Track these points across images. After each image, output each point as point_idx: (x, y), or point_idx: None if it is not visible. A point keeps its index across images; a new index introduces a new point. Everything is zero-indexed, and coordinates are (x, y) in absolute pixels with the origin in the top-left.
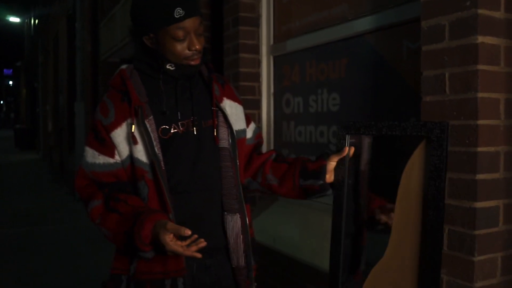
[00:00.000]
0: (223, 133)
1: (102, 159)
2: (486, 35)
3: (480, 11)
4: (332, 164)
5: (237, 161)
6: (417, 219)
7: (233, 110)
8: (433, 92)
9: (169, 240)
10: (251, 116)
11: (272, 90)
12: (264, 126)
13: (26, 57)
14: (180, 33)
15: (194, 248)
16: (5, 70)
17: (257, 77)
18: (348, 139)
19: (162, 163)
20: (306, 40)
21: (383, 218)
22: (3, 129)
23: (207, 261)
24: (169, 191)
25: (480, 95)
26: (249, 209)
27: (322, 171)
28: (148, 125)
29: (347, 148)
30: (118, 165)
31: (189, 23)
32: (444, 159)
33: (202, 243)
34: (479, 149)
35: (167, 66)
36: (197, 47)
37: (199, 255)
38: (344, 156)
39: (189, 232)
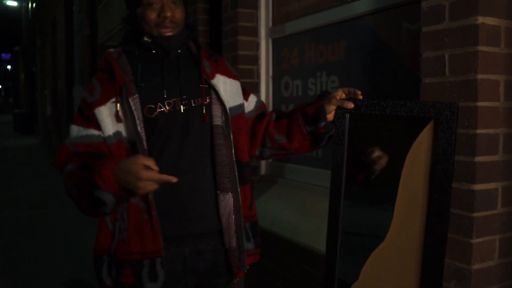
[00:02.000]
0: (216, 110)
1: (86, 132)
2: (486, 15)
3: None
4: (331, 105)
5: (231, 138)
6: (421, 203)
7: (228, 87)
8: (433, 74)
9: (142, 167)
10: None
11: (270, 73)
12: None
13: (24, 42)
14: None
15: (166, 176)
16: (3, 55)
17: (255, 60)
18: (347, 118)
19: (144, 143)
20: (305, 22)
21: (374, 159)
22: (2, 114)
23: (200, 246)
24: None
25: (480, 76)
26: (250, 189)
27: (322, 111)
28: (132, 103)
29: (346, 102)
30: (100, 139)
31: None
32: (452, 142)
33: (174, 179)
34: (478, 131)
35: (145, 38)
36: (167, 14)
37: (175, 179)
38: (343, 138)
39: (155, 167)
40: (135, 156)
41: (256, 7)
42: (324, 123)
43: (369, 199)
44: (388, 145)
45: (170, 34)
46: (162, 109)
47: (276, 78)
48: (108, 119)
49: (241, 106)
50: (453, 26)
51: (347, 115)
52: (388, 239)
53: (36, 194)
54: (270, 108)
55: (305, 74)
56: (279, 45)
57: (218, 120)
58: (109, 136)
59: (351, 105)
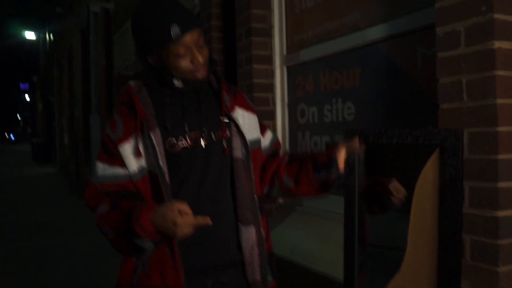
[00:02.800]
0: (237, 142)
1: (111, 170)
2: (503, 40)
3: (496, 15)
4: (341, 153)
5: (252, 171)
6: (433, 230)
7: (246, 120)
8: (450, 99)
9: (177, 213)
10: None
11: (286, 101)
12: (279, 137)
13: (42, 72)
14: (181, 50)
15: (202, 218)
16: (21, 85)
17: (270, 87)
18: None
19: (166, 176)
20: (319, 49)
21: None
22: (20, 143)
23: (222, 278)
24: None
25: (499, 101)
26: (265, 221)
27: (333, 159)
28: (153, 138)
29: (357, 140)
30: (127, 177)
31: (188, 38)
32: (459, 169)
33: (209, 221)
34: (500, 156)
35: (174, 81)
36: (199, 59)
37: (209, 222)
38: (354, 163)
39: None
40: (170, 202)
41: (270, 35)
42: (334, 170)
43: (384, 227)
44: (398, 173)
45: (203, 76)
46: (183, 143)
47: (292, 105)
48: (132, 155)
49: (258, 141)
50: (469, 51)
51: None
52: (403, 269)
53: (53, 222)
54: (286, 142)
55: (321, 100)
56: (294, 72)
57: (238, 152)
58: (134, 172)
59: (362, 147)
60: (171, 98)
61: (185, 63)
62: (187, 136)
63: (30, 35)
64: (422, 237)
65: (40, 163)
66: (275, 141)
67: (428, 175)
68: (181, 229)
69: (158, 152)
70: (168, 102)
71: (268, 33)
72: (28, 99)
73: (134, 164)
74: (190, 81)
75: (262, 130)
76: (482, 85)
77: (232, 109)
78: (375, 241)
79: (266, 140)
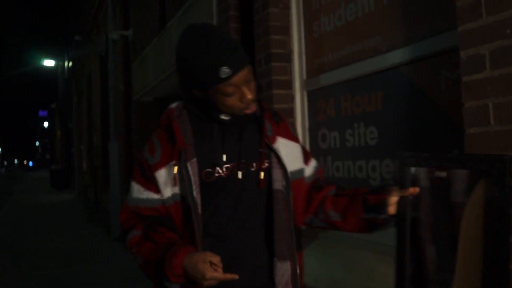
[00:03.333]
0: (277, 174)
1: (146, 194)
2: None
3: None
4: (393, 198)
5: (291, 203)
6: (480, 261)
7: (288, 150)
8: (476, 124)
9: (208, 267)
10: None
11: (307, 125)
12: None
13: (61, 99)
14: (230, 89)
15: (230, 276)
16: (40, 112)
17: (291, 112)
18: (409, 172)
19: (199, 207)
20: (339, 73)
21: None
22: (39, 170)
23: None
24: (201, 236)
25: None
26: (302, 256)
27: (384, 204)
28: (189, 168)
29: (412, 189)
30: (160, 202)
31: (238, 78)
32: (506, 195)
33: (236, 277)
34: None
35: (222, 116)
36: (249, 97)
37: (236, 277)
38: (407, 208)
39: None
40: (203, 253)
41: (289, 60)
42: (384, 216)
43: (433, 256)
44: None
45: (252, 110)
46: (219, 174)
47: (313, 130)
48: (168, 182)
49: (301, 171)
50: (495, 75)
51: (408, 169)
52: None
53: (72, 250)
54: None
55: (342, 125)
56: (314, 97)
57: (278, 184)
58: (168, 198)
59: (416, 189)
60: (212, 127)
61: (233, 101)
62: (224, 167)
63: (49, 62)
64: (470, 269)
65: (58, 189)
66: (318, 169)
67: (476, 202)
68: (209, 283)
69: (193, 183)
70: (209, 132)
71: (287, 58)
72: (46, 125)
73: (168, 190)
74: (237, 117)
75: (306, 158)
76: (509, 108)
77: (274, 139)
78: None
79: (309, 169)
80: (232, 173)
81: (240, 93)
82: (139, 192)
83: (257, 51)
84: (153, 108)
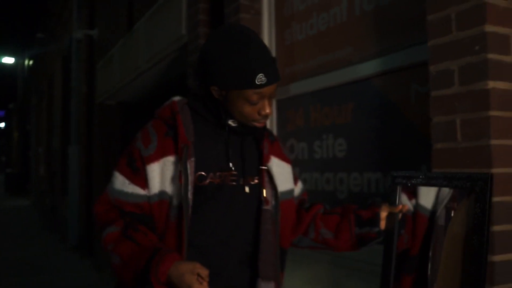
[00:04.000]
0: (267, 193)
1: (131, 188)
2: (497, 80)
3: (490, 55)
4: (384, 213)
5: (279, 224)
6: (460, 274)
7: (280, 170)
8: (444, 139)
9: (195, 279)
10: None
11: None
12: None
13: (19, 99)
14: (255, 98)
15: None
16: None
17: None
18: (399, 190)
19: (190, 209)
20: (310, 83)
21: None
22: None
23: None
24: (188, 242)
25: (493, 142)
26: (283, 276)
27: (377, 218)
28: (189, 167)
29: (401, 206)
30: (145, 198)
31: (268, 89)
32: (486, 212)
33: None
34: (495, 199)
35: (230, 122)
36: (267, 111)
37: None
38: (395, 222)
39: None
40: (192, 264)
41: None
42: (378, 229)
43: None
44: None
45: (262, 126)
46: (212, 180)
47: (281, 140)
48: (158, 177)
49: (291, 192)
50: (463, 91)
51: (399, 187)
52: None
53: (27, 259)
54: None
55: (311, 136)
56: (284, 106)
57: (269, 204)
58: (154, 194)
59: (405, 206)
60: (215, 131)
61: (251, 110)
62: (217, 174)
63: (8, 60)
64: (453, 283)
65: (14, 194)
66: (303, 191)
67: (459, 218)
68: None
69: (189, 182)
70: (211, 135)
71: None
72: (3, 126)
73: (156, 186)
74: (247, 127)
75: (295, 179)
76: (476, 125)
77: (268, 157)
78: None
79: (297, 190)
80: (224, 181)
81: (261, 104)
82: (123, 184)
83: None
84: (117, 112)
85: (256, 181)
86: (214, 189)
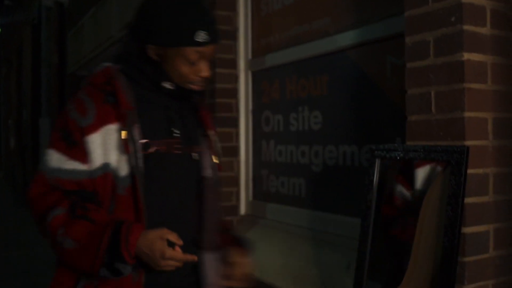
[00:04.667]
0: (207, 162)
1: (70, 164)
2: (472, 51)
3: (465, 27)
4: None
5: (220, 193)
6: (433, 247)
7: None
8: (418, 111)
9: (166, 245)
10: (229, 134)
11: (250, 107)
12: (243, 146)
13: None
14: (195, 57)
15: (191, 256)
16: None
17: (234, 93)
18: (378, 163)
19: (143, 179)
20: (286, 54)
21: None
22: None
23: None
24: (147, 213)
25: (467, 114)
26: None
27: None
28: (135, 134)
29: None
30: (87, 174)
31: (208, 49)
32: (461, 184)
33: (195, 258)
34: (468, 171)
35: (164, 84)
36: (206, 74)
37: (196, 259)
38: (372, 183)
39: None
40: (160, 230)
41: (234, 38)
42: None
43: (395, 241)
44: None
45: (199, 89)
46: (158, 148)
47: (256, 113)
48: (99, 149)
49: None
50: (438, 63)
51: (378, 161)
52: (405, 282)
53: None
54: (249, 151)
55: (287, 108)
56: (259, 78)
57: (209, 172)
58: (97, 168)
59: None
60: (154, 97)
61: (189, 71)
62: (163, 141)
63: None
64: (423, 255)
65: None
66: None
67: (435, 190)
68: (167, 263)
69: (138, 151)
70: (149, 101)
71: (233, 36)
72: None
73: (98, 158)
74: (182, 89)
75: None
76: (451, 97)
77: (211, 126)
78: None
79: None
80: (170, 149)
81: (200, 65)
82: (60, 161)
83: None
84: None
85: (199, 149)
86: (160, 157)
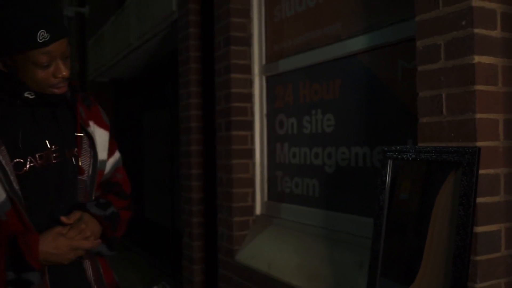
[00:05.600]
0: (85, 162)
1: None
2: (483, 54)
3: (476, 30)
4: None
5: (93, 195)
6: (446, 246)
7: (98, 138)
8: (429, 114)
9: (67, 239)
10: (244, 137)
11: (265, 111)
12: (257, 148)
13: None
14: (44, 59)
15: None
16: None
17: (249, 97)
18: (390, 164)
19: (23, 200)
20: (299, 60)
21: None
22: None
23: None
24: (33, 225)
25: (478, 116)
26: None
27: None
28: (1, 158)
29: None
30: None
31: (56, 47)
32: (473, 185)
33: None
34: (480, 171)
35: (26, 94)
36: (64, 73)
37: (99, 241)
38: (385, 183)
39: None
40: (53, 229)
41: (249, 44)
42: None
43: (407, 240)
44: (424, 189)
45: (63, 91)
46: (33, 164)
47: (271, 116)
48: None
49: (104, 163)
50: (449, 65)
51: (390, 162)
52: (417, 281)
53: None
54: (264, 153)
55: (300, 112)
56: (273, 82)
57: (85, 174)
58: None
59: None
60: (17, 112)
61: (45, 75)
62: (36, 156)
63: None
64: (436, 254)
65: None
66: (118, 166)
67: (447, 190)
68: (77, 253)
69: (9, 174)
70: (13, 116)
71: (247, 42)
72: None
73: None
74: (45, 96)
75: (111, 151)
76: (462, 99)
77: (87, 123)
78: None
79: (108, 165)
80: (46, 161)
81: (54, 66)
82: None
83: (217, 33)
84: (109, 88)
85: (74, 152)
86: (38, 172)
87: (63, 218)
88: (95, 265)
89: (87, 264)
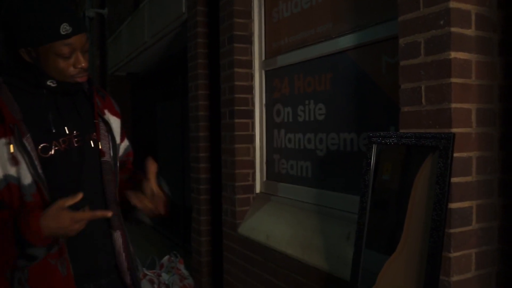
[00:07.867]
0: (105, 146)
1: None
2: (458, 51)
3: (453, 29)
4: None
5: (117, 175)
6: (423, 220)
7: (113, 124)
8: (410, 103)
9: (69, 210)
10: (246, 124)
11: (264, 101)
12: (257, 134)
13: None
14: (66, 50)
15: (100, 212)
16: None
17: (250, 89)
18: (374, 148)
19: (46, 184)
20: (294, 56)
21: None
22: None
23: (102, 281)
24: None
25: (453, 105)
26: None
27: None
28: (26, 144)
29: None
30: None
31: (76, 40)
32: (448, 166)
33: (109, 213)
34: (454, 155)
35: (48, 83)
36: (83, 65)
37: (109, 213)
38: (369, 165)
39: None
40: (56, 203)
41: (250, 42)
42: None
43: (389, 215)
44: (404, 170)
45: (82, 81)
46: (57, 148)
47: (269, 106)
48: None
49: (118, 147)
50: (428, 61)
51: (374, 146)
52: (398, 251)
53: None
54: (263, 138)
55: (295, 102)
56: (271, 76)
57: (107, 155)
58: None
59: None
60: (40, 100)
61: (66, 65)
62: (60, 140)
63: None
64: (414, 230)
65: None
66: (129, 151)
67: (425, 171)
68: (81, 225)
69: (34, 159)
70: (38, 105)
71: (248, 40)
72: None
73: (0, 172)
74: (66, 84)
75: (122, 137)
76: (439, 90)
77: (103, 111)
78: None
79: (121, 149)
80: (69, 146)
81: (75, 58)
82: None
83: (222, 32)
84: (127, 81)
85: (95, 136)
86: (62, 155)
87: (71, 202)
88: (125, 235)
89: (118, 234)
